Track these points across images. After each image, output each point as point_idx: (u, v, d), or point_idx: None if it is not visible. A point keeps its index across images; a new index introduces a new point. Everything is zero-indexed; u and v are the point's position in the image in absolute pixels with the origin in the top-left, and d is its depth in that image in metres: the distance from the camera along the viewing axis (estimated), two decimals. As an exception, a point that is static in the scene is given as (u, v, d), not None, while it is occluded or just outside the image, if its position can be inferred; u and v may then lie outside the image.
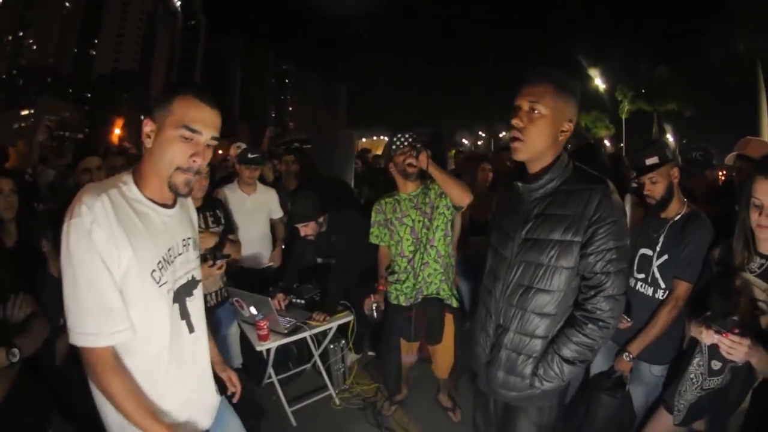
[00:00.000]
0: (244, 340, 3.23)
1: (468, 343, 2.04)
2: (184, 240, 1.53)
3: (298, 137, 7.36)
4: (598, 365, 2.44)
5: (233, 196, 3.75)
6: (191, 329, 1.54)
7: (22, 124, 61.95)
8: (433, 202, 2.86)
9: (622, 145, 31.47)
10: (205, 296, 2.85)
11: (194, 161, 1.37)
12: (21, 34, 72.37)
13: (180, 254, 1.50)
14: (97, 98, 76.49)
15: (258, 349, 3.01)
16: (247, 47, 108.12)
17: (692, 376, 1.89)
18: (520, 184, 1.74)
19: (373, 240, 3.12)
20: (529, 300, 1.72)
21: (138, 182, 1.39)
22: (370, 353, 4.13)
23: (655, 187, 2.27)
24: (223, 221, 3.10)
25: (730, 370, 1.80)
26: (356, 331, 3.36)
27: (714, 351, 1.77)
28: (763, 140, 2.70)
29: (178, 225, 1.51)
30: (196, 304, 1.58)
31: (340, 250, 3.37)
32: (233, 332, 3.19)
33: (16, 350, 1.64)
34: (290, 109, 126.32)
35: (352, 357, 3.89)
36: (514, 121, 1.64)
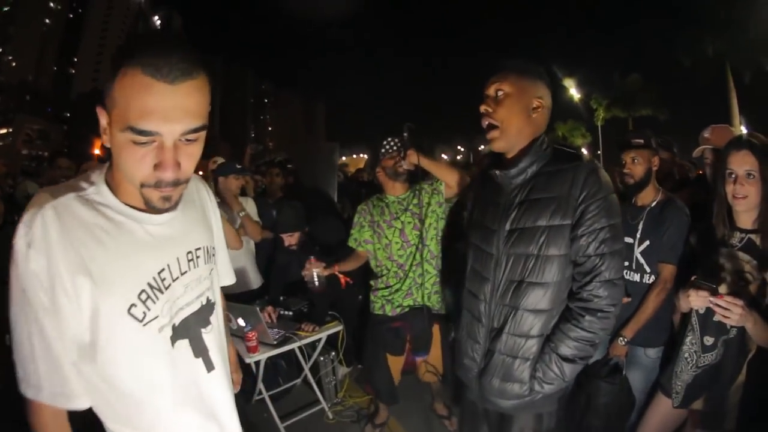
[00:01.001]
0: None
1: (455, 355, 1.92)
2: (190, 253, 1.13)
3: (279, 156, 7.33)
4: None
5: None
6: (210, 367, 1.17)
7: (0, 143, 61.10)
8: (423, 202, 2.79)
9: (599, 152, 31.94)
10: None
11: (163, 173, 0.93)
12: (0, 50, 71.72)
13: (184, 273, 1.10)
14: (77, 117, 75.75)
15: (247, 361, 2.92)
16: (226, 66, 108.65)
17: (686, 355, 1.86)
18: (498, 172, 1.65)
19: (351, 243, 3.00)
20: (521, 296, 1.59)
21: (111, 184, 1.01)
22: (360, 366, 4.04)
23: (635, 167, 2.37)
24: None
25: (723, 344, 1.76)
26: (345, 342, 3.31)
27: (705, 326, 1.78)
28: (723, 126, 2.77)
29: (181, 234, 1.11)
30: (214, 335, 1.20)
31: (325, 260, 3.32)
32: None
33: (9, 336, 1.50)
34: (270, 128, 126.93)
35: (343, 370, 3.82)
36: (482, 108, 1.61)
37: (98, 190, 1.00)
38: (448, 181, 2.69)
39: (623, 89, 31.62)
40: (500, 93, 1.58)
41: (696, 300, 1.61)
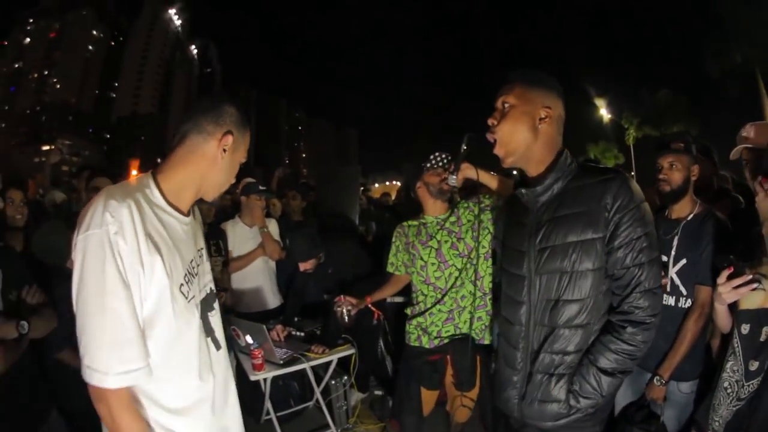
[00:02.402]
0: (239, 372, 3.11)
1: (494, 386, 1.83)
2: (200, 249, 1.45)
3: (309, 182, 7.41)
4: (626, 395, 2.24)
5: (235, 229, 3.73)
6: (218, 346, 1.44)
7: (43, 159, 63.88)
8: (462, 219, 2.58)
9: (632, 173, 31.35)
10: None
11: (233, 181, 1.44)
12: (46, 72, 75.52)
13: (199, 265, 1.41)
14: (116, 139, 78.75)
15: (252, 378, 2.90)
16: (261, 95, 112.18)
17: (726, 384, 1.63)
18: (523, 191, 1.62)
19: (389, 269, 2.81)
20: (557, 314, 1.55)
21: (163, 187, 1.29)
22: (377, 392, 3.97)
23: (672, 173, 2.15)
24: (224, 253, 3.05)
25: None
26: (358, 367, 3.23)
27: (751, 347, 1.58)
28: (764, 123, 2.42)
29: (194, 235, 1.43)
30: (216, 319, 1.48)
31: (338, 282, 3.30)
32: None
33: (25, 324, 1.75)
34: (303, 155, 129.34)
35: (356, 396, 3.74)
36: (489, 121, 1.59)
37: (153, 193, 1.26)
38: (506, 193, 2.41)
39: (653, 106, 31.03)
40: (506, 105, 1.57)
41: (734, 292, 1.54)
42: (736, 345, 1.63)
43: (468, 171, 2.32)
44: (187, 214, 1.35)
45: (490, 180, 2.37)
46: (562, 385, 1.54)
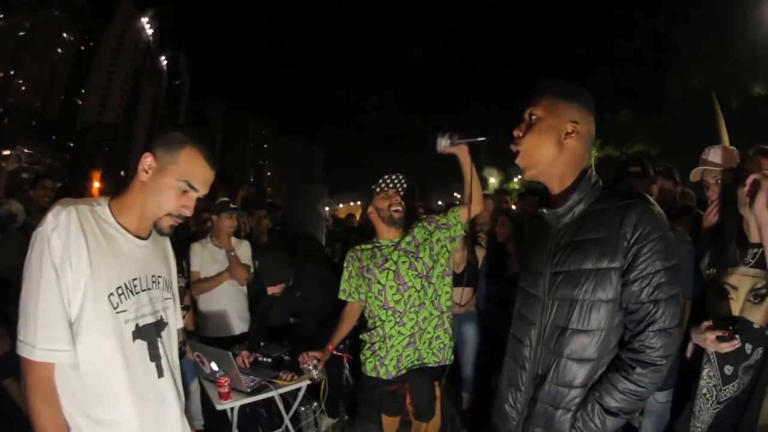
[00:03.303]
0: (206, 400, 2.99)
1: (494, 402, 1.78)
2: (154, 276, 1.46)
3: (274, 202, 7.35)
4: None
5: (205, 250, 3.63)
6: (160, 373, 1.44)
7: (3, 164, 61.01)
8: (418, 240, 2.54)
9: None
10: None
11: (185, 210, 1.41)
12: (11, 72, 73.04)
13: (147, 289, 1.42)
14: (80, 148, 76.58)
15: (218, 408, 2.79)
16: (228, 111, 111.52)
17: (704, 391, 1.70)
18: (545, 210, 1.55)
19: (341, 296, 2.73)
20: (565, 343, 1.47)
21: (113, 208, 1.38)
22: (346, 417, 3.88)
23: None
24: (186, 274, 2.95)
25: (745, 372, 1.64)
26: (327, 392, 3.13)
27: (724, 354, 1.65)
28: (721, 146, 2.62)
29: (151, 259, 1.46)
30: (169, 350, 1.49)
31: (306, 306, 3.23)
32: (194, 390, 3.03)
33: None
34: (268, 173, 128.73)
35: (327, 422, 3.64)
36: (515, 132, 1.55)
37: (103, 210, 1.36)
38: (474, 193, 2.41)
39: (615, 127, 32.18)
40: (533, 117, 1.52)
41: (716, 347, 1.59)
42: (710, 353, 1.71)
43: (462, 151, 2.27)
44: (141, 237, 1.42)
45: (466, 167, 2.34)
46: (566, 419, 1.48)
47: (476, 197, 2.44)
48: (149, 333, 1.40)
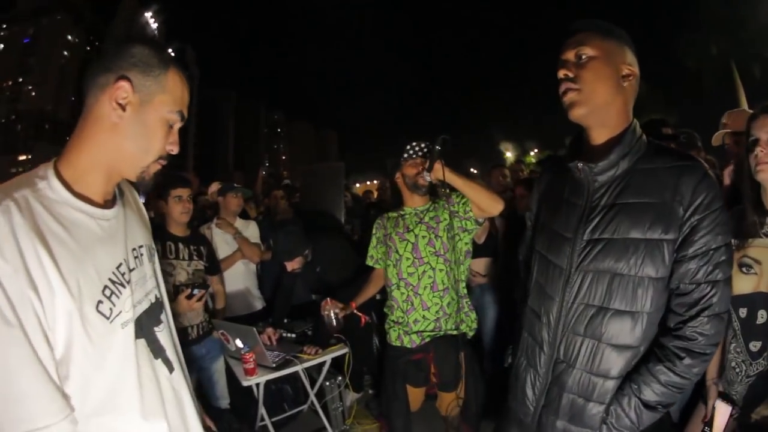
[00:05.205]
0: (232, 379, 3.01)
1: (510, 381, 1.63)
2: (134, 249, 1.11)
3: (293, 183, 7.38)
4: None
5: (214, 234, 3.67)
6: (170, 368, 1.15)
7: (20, 169, 62.54)
8: (441, 218, 2.50)
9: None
10: (186, 329, 2.76)
11: (173, 148, 1.08)
12: (21, 80, 73.84)
13: (133, 269, 1.08)
14: (94, 147, 77.49)
15: (244, 384, 2.81)
16: (239, 98, 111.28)
17: (733, 364, 1.64)
18: (580, 165, 1.33)
19: (368, 262, 2.76)
20: (603, 326, 1.29)
21: (64, 176, 0.97)
22: (371, 391, 3.92)
23: None
24: (205, 257, 2.97)
25: None
26: (352, 367, 3.16)
27: (750, 330, 1.57)
28: (740, 109, 2.60)
29: (124, 230, 1.09)
30: (166, 334, 1.17)
31: (327, 281, 3.22)
32: (219, 368, 3.04)
33: None
34: (283, 158, 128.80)
35: (352, 396, 3.67)
36: (562, 72, 1.30)
37: (50, 185, 0.94)
38: (480, 204, 2.36)
39: (631, 97, 31.94)
40: (584, 56, 1.28)
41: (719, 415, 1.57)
42: (736, 327, 1.63)
43: (438, 172, 2.27)
44: (106, 206, 1.04)
45: (455, 182, 2.31)
46: (599, 412, 1.32)
47: (485, 201, 2.36)
48: (148, 324, 1.11)
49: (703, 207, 1.20)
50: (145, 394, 1.04)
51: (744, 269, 1.62)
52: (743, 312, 1.59)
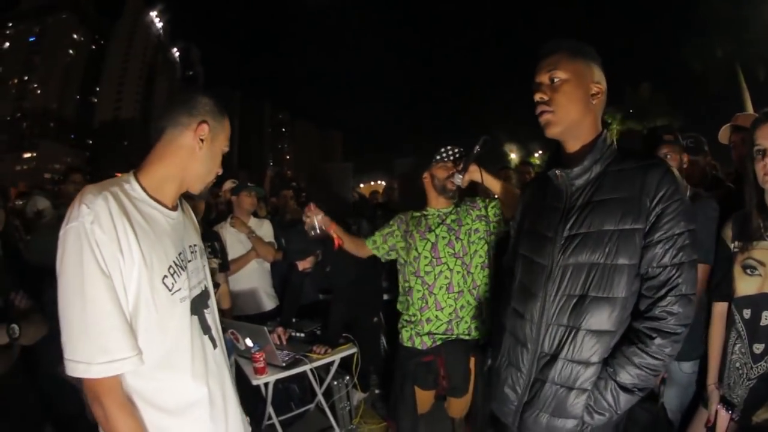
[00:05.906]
0: (240, 378, 3.02)
1: (491, 385, 1.69)
2: (191, 246, 1.43)
3: (299, 183, 7.38)
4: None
5: (228, 233, 3.67)
6: (215, 344, 1.43)
7: (24, 167, 63.05)
8: (463, 221, 2.51)
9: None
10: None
11: (220, 171, 1.45)
12: (26, 78, 74.18)
13: (190, 261, 1.39)
14: (99, 145, 77.65)
15: (254, 383, 2.83)
16: (244, 98, 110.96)
17: (737, 365, 1.66)
18: (558, 172, 1.47)
19: (368, 244, 2.80)
20: (583, 314, 1.38)
21: (144, 183, 1.28)
22: (377, 391, 3.93)
23: (668, 162, 2.22)
24: (219, 255, 2.99)
25: None
26: (360, 366, 3.19)
27: (754, 332, 1.61)
28: (748, 113, 2.65)
29: (184, 230, 1.41)
30: (213, 318, 1.47)
31: (336, 281, 3.23)
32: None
33: (15, 327, 1.70)
34: (287, 157, 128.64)
35: (358, 395, 3.68)
36: (537, 96, 1.45)
37: (133, 188, 1.25)
38: (512, 204, 2.30)
39: (635, 100, 31.45)
40: (556, 80, 1.43)
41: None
42: (740, 329, 1.67)
43: (475, 174, 2.28)
44: (173, 209, 1.35)
45: (493, 185, 2.32)
46: (581, 401, 1.39)
47: (512, 201, 2.32)
48: (200, 305, 1.38)
49: (667, 197, 1.32)
50: (195, 360, 1.30)
51: (748, 271, 1.64)
52: (747, 313, 1.63)
